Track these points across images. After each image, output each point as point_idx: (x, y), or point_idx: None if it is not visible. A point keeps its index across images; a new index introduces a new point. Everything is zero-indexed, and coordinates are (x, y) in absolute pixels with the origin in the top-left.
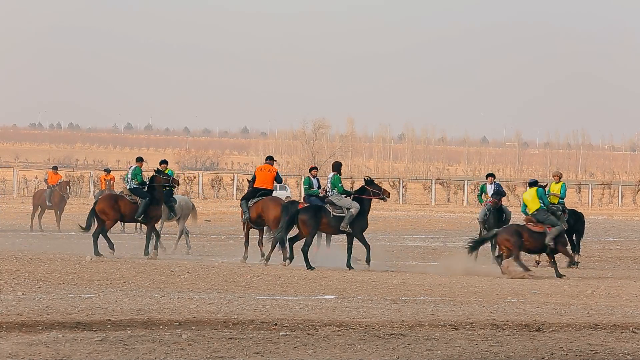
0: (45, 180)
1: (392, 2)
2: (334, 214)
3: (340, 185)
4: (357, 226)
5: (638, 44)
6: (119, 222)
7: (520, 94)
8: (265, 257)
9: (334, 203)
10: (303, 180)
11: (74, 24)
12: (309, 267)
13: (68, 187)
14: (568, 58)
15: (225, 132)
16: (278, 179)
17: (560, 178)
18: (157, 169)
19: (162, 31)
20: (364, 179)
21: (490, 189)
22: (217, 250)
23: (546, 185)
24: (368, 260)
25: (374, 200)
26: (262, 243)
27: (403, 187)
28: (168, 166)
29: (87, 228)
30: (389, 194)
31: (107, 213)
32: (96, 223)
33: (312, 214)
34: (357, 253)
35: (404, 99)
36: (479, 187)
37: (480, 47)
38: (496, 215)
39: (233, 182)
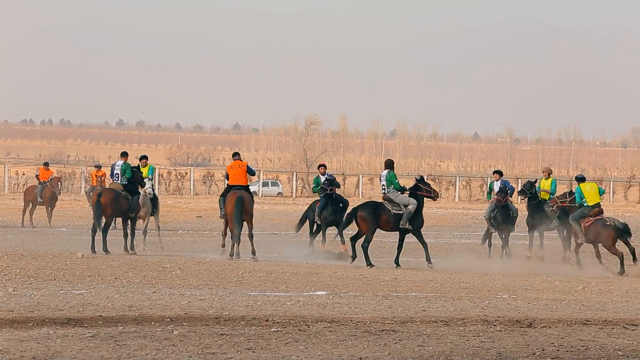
0: (37, 176)
1: (386, 1)
2: (393, 211)
3: (396, 181)
4: (416, 223)
5: (630, 41)
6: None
7: (513, 91)
8: (230, 252)
9: (392, 200)
10: (312, 179)
11: (65, 22)
12: (369, 264)
13: (59, 183)
14: (560, 56)
15: (217, 128)
16: (250, 171)
17: (550, 174)
18: (137, 165)
19: (153, 27)
20: (416, 177)
21: (497, 186)
22: (209, 246)
23: (535, 181)
24: (428, 259)
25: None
26: (225, 234)
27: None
28: (147, 162)
29: (98, 222)
30: (439, 194)
31: (109, 206)
32: (104, 217)
33: (371, 211)
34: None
35: (396, 95)
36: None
37: (473, 46)
38: (503, 212)
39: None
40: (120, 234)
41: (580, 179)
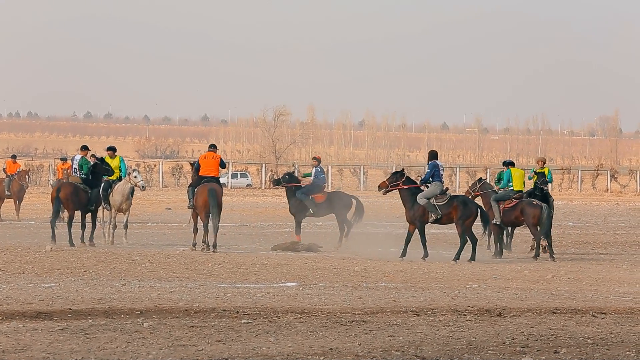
0: (4, 169)
1: None
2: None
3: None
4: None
5: (598, 32)
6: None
7: (480, 81)
8: (203, 242)
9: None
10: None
11: (30, 12)
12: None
13: (27, 176)
14: (528, 47)
15: (185, 120)
16: (222, 164)
17: (544, 163)
18: (101, 157)
19: (120, 18)
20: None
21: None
22: (178, 238)
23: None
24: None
25: (336, 186)
26: (196, 230)
27: (364, 173)
28: (114, 154)
29: (55, 217)
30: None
31: (69, 200)
32: (65, 210)
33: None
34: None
35: (364, 86)
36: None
37: (440, 38)
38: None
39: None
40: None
41: (510, 164)
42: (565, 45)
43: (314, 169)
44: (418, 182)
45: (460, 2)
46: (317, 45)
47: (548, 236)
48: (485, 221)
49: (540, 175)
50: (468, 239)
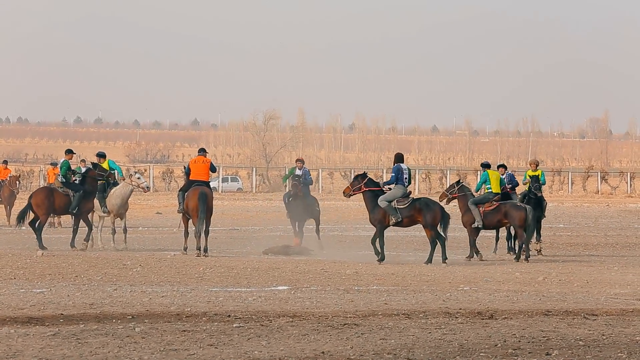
0: None
1: None
2: None
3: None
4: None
5: (588, 34)
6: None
7: (470, 83)
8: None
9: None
10: (288, 170)
11: (20, 19)
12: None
13: (18, 182)
14: (517, 49)
15: (175, 125)
16: (212, 168)
17: (537, 166)
18: (95, 162)
19: (109, 22)
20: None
21: (504, 180)
22: (169, 243)
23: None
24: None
25: (327, 190)
26: (187, 234)
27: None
28: (104, 160)
29: (19, 221)
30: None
31: (40, 206)
32: (31, 215)
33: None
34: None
35: (354, 89)
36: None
37: (430, 41)
38: (534, 203)
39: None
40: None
41: (487, 165)
42: (555, 47)
43: (301, 170)
44: (381, 185)
45: (449, 5)
46: (306, 47)
47: (529, 238)
48: (445, 222)
49: (534, 179)
50: (437, 241)
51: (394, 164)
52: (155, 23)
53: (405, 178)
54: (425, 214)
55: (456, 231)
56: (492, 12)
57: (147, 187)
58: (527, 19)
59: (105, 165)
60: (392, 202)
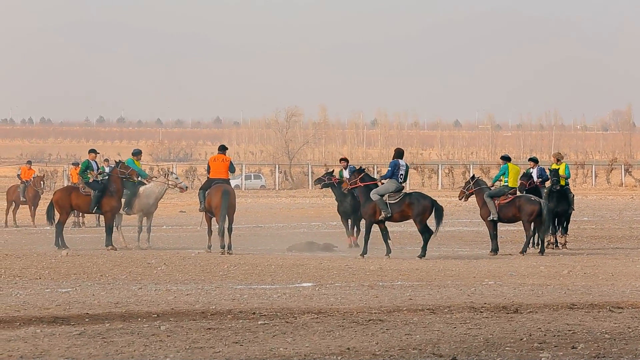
0: (19, 175)
1: None
2: None
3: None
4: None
5: (610, 25)
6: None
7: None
8: (220, 245)
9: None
10: (339, 172)
11: (42, 20)
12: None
13: (42, 182)
14: (540, 43)
15: (198, 123)
16: (231, 168)
17: (559, 159)
18: (119, 160)
19: (132, 22)
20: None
21: (535, 174)
22: (193, 241)
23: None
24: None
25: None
26: (210, 232)
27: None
28: (137, 158)
29: (49, 221)
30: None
31: (59, 204)
32: (58, 215)
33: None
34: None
35: (376, 85)
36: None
37: (451, 36)
38: (559, 196)
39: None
40: (132, 230)
41: (507, 158)
42: (577, 40)
43: (346, 169)
44: (377, 179)
45: (469, 1)
46: (327, 45)
47: (546, 232)
48: (439, 217)
49: (553, 173)
50: (424, 234)
51: (393, 159)
52: (179, 25)
53: (401, 174)
54: (415, 208)
55: (479, 225)
56: (514, 7)
57: (185, 187)
58: (549, 13)
59: (138, 164)
60: (383, 196)
